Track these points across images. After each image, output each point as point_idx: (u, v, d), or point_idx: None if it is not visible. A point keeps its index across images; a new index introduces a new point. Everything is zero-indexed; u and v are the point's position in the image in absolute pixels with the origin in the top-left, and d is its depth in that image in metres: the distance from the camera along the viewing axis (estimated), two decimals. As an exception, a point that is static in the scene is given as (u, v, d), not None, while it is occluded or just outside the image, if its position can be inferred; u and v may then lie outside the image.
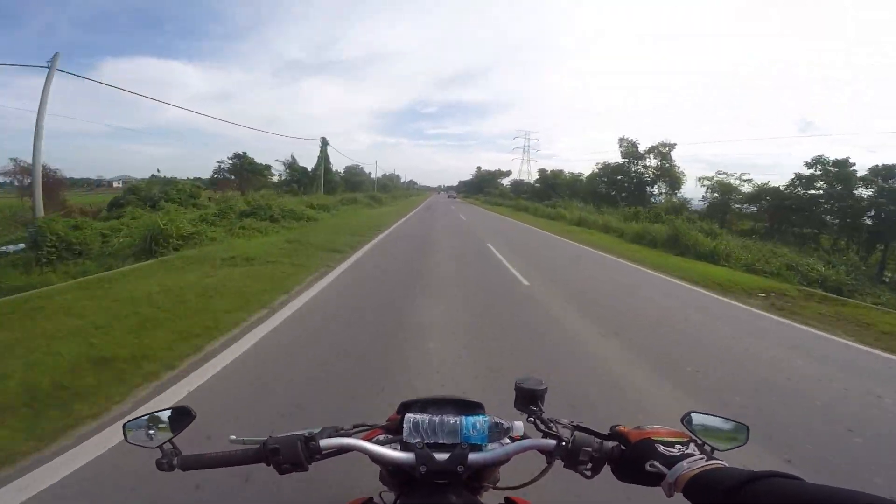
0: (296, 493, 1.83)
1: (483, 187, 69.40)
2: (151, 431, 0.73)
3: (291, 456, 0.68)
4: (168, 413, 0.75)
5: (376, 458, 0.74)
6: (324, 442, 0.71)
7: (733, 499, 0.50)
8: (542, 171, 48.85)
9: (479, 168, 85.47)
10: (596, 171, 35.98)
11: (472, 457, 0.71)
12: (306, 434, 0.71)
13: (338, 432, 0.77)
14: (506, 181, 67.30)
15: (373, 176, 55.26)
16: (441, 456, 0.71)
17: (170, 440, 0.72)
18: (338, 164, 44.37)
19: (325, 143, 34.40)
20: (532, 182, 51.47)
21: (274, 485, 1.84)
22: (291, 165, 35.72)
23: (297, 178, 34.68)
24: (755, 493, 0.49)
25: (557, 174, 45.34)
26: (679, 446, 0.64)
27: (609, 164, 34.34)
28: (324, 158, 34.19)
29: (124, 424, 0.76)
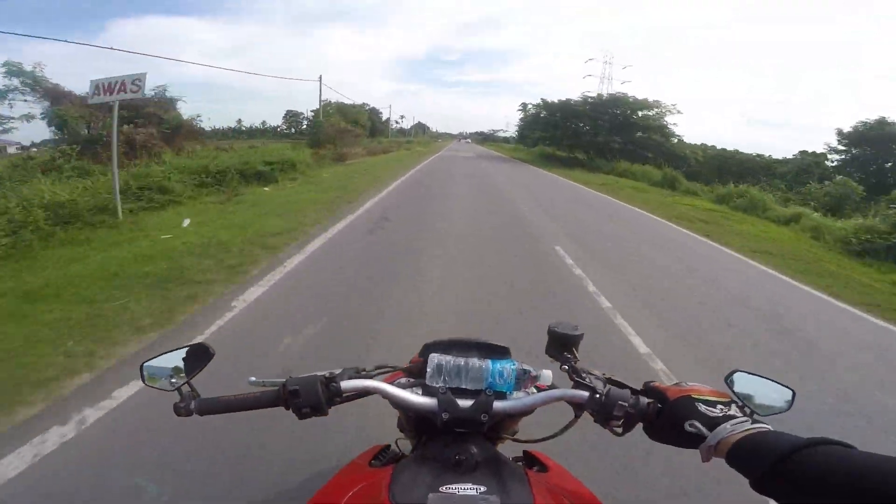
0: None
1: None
2: (169, 372, 0.72)
3: (311, 398, 0.65)
4: (185, 352, 0.73)
5: (397, 403, 0.71)
6: (345, 384, 0.69)
7: (781, 467, 0.47)
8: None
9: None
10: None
11: (497, 405, 0.68)
12: (326, 375, 0.69)
13: (358, 374, 0.75)
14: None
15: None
16: (464, 402, 0.68)
17: (187, 382, 0.70)
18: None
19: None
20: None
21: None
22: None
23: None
24: (804, 461, 0.45)
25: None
26: (721, 407, 0.60)
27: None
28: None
29: (141, 365, 0.74)
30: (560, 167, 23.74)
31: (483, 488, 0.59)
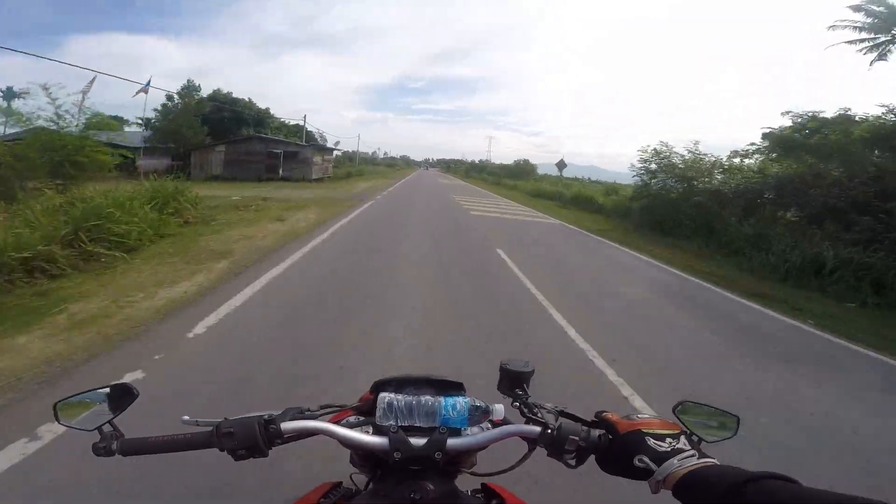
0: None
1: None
2: (88, 412, 0.67)
3: (248, 440, 0.63)
4: (107, 391, 0.68)
5: (346, 443, 0.69)
6: (285, 425, 0.65)
7: (726, 501, 0.48)
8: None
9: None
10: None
11: (450, 442, 0.67)
12: (266, 417, 0.66)
13: (302, 414, 0.71)
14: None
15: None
16: (417, 441, 0.66)
17: (109, 422, 0.65)
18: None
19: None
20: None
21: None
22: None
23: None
24: (749, 495, 0.47)
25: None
26: (670, 440, 0.62)
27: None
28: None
29: (55, 404, 0.67)
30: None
31: None
